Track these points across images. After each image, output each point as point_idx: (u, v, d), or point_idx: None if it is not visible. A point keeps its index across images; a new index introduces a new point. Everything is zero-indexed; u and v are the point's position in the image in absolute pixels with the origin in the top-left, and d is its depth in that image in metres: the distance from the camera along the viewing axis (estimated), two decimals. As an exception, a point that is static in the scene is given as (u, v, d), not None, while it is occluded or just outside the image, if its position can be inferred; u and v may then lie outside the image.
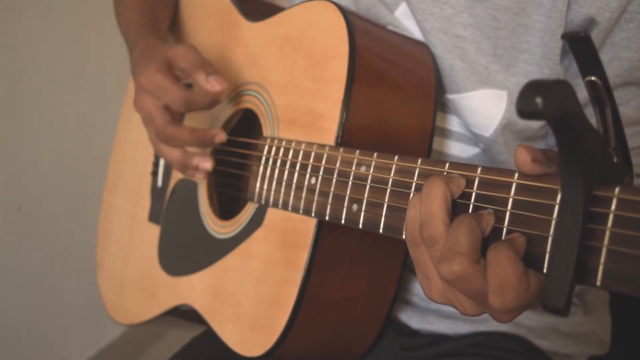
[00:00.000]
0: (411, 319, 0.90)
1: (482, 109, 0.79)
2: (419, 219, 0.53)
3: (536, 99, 0.37)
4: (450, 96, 0.80)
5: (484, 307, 0.50)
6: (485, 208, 0.51)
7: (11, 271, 1.74)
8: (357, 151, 0.66)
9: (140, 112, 0.83)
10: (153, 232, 1.02)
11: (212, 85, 0.78)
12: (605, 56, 0.74)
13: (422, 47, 0.81)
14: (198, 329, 0.99)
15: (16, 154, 1.72)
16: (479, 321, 0.87)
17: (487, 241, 0.50)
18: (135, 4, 1.00)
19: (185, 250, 0.94)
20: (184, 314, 0.98)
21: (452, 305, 0.54)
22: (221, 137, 0.84)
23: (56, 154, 1.86)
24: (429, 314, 0.89)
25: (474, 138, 0.83)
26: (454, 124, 0.84)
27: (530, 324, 0.87)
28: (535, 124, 0.79)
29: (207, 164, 0.84)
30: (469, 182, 0.53)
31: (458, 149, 0.85)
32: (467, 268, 0.48)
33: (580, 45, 0.44)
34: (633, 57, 0.73)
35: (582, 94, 0.53)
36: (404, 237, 0.58)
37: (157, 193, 1.03)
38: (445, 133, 0.85)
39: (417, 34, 0.83)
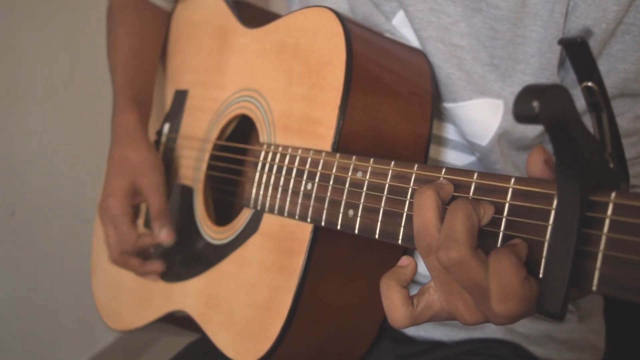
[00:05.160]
0: (406, 325, 0.89)
1: (479, 118, 0.79)
2: (414, 229, 0.53)
3: (533, 103, 0.37)
4: (446, 105, 0.81)
5: (482, 305, 0.50)
6: (482, 214, 0.51)
7: (4, 276, 1.74)
8: (354, 157, 0.66)
9: (102, 226, 0.96)
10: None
11: (162, 236, 0.92)
12: (601, 67, 0.74)
13: (420, 55, 0.81)
14: (191, 335, 0.99)
15: (10, 159, 1.72)
16: (473, 328, 0.87)
17: (485, 243, 0.51)
18: (124, 46, 1.04)
19: (181, 256, 0.94)
20: (178, 321, 0.98)
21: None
22: (158, 269, 0.96)
23: (50, 158, 1.85)
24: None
25: (470, 147, 0.83)
26: (450, 132, 0.84)
27: (525, 331, 0.87)
28: (531, 133, 0.79)
29: (154, 279, 0.97)
30: (465, 188, 0.53)
31: (454, 157, 0.85)
32: (465, 255, 0.47)
33: (577, 51, 0.44)
34: (629, 69, 0.73)
35: (579, 103, 0.53)
36: (399, 242, 0.59)
37: (152, 199, 1.03)
38: (441, 141, 0.85)
39: (414, 42, 0.83)
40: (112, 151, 0.98)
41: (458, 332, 0.88)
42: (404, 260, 0.56)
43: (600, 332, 0.96)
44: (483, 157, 0.82)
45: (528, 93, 0.38)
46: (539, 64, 0.75)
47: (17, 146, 1.73)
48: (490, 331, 0.87)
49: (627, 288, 0.40)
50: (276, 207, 0.76)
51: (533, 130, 0.78)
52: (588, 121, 0.48)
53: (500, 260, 0.46)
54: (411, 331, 0.89)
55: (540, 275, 0.46)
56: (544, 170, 0.49)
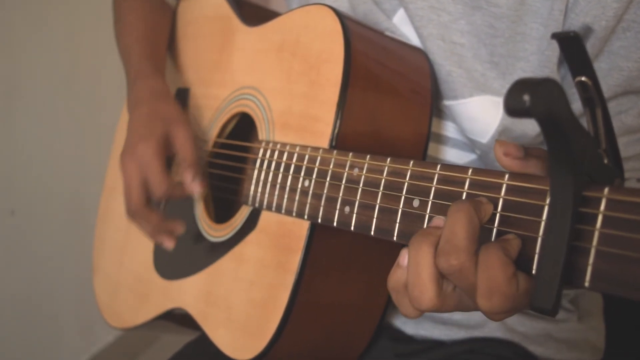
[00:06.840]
0: (406, 324, 0.89)
1: (479, 115, 0.79)
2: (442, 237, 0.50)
3: (524, 97, 0.37)
4: (447, 102, 0.80)
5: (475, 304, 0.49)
6: (476, 209, 0.50)
7: (4, 276, 1.74)
8: (350, 153, 0.66)
9: (122, 173, 0.88)
10: (148, 235, 1.02)
11: (194, 187, 0.86)
12: (604, 65, 0.74)
13: (419, 53, 0.81)
14: (192, 334, 0.99)
15: (10, 157, 1.72)
16: (474, 327, 0.87)
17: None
18: (136, 28, 1.02)
19: (180, 253, 0.94)
20: (178, 319, 0.98)
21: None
22: (180, 229, 0.90)
23: (50, 158, 1.85)
24: (424, 319, 0.88)
25: (471, 144, 0.83)
26: (450, 129, 0.84)
27: (525, 330, 0.87)
28: (531, 132, 0.79)
29: (169, 245, 0.90)
30: (460, 184, 0.53)
31: (454, 155, 0.85)
32: (465, 262, 0.47)
33: (570, 45, 0.44)
34: (632, 67, 0.73)
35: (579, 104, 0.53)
36: (394, 239, 0.58)
37: (153, 197, 1.03)
38: (441, 139, 0.85)
39: (414, 40, 0.83)
40: (138, 110, 0.91)
41: (457, 331, 0.87)
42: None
43: (600, 332, 0.95)
44: (484, 154, 0.82)
45: (519, 86, 0.38)
46: (539, 62, 0.75)
47: (17, 146, 1.74)
48: (490, 330, 0.87)
49: (619, 284, 0.40)
50: (274, 205, 0.76)
51: (533, 128, 0.78)
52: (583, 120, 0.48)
53: (489, 256, 0.45)
54: (410, 330, 0.89)
55: (533, 271, 0.46)
56: (511, 162, 0.49)
